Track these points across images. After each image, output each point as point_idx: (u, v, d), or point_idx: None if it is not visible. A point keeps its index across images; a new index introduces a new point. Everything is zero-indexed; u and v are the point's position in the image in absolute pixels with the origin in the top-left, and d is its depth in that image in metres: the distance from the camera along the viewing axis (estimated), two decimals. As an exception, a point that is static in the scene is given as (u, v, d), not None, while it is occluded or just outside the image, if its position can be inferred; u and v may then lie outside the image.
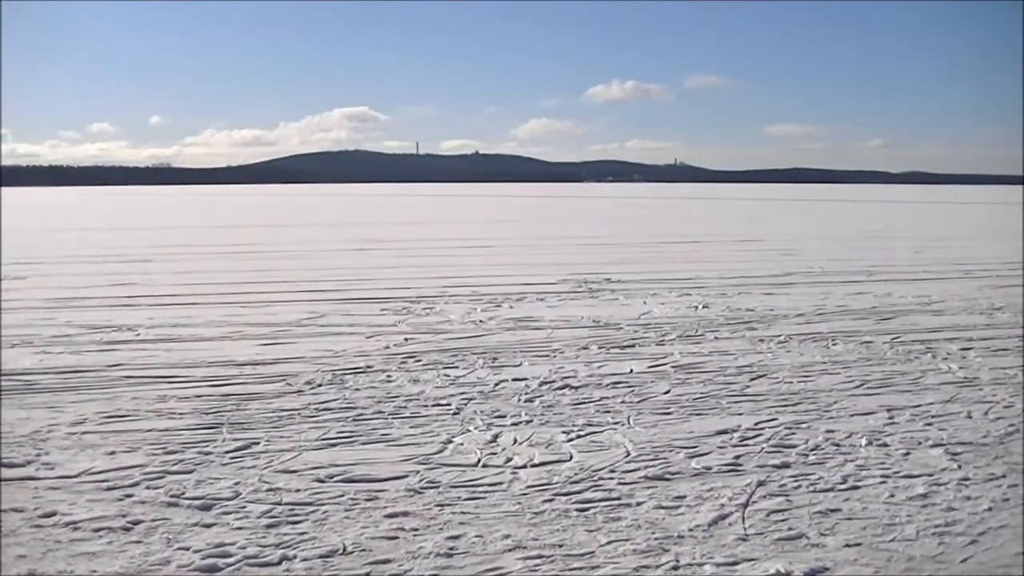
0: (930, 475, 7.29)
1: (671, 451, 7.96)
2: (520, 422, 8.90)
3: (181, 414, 9.14)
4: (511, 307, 16.57)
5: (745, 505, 6.67)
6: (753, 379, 10.76)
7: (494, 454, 7.90)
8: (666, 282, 20.61)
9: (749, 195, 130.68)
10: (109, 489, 6.97)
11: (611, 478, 7.27)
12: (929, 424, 8.78)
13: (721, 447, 8.08)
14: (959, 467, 7.49)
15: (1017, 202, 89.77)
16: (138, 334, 13.64)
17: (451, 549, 5.92)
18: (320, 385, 10.40)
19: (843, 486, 7.06)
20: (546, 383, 10.52)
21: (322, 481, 7.19)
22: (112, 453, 7.85)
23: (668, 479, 7.27)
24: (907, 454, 7.85)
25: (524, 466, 7.57)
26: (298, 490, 6.97)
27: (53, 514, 6.43)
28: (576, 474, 7.36)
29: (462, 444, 8.18)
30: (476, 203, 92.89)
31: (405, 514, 6.50)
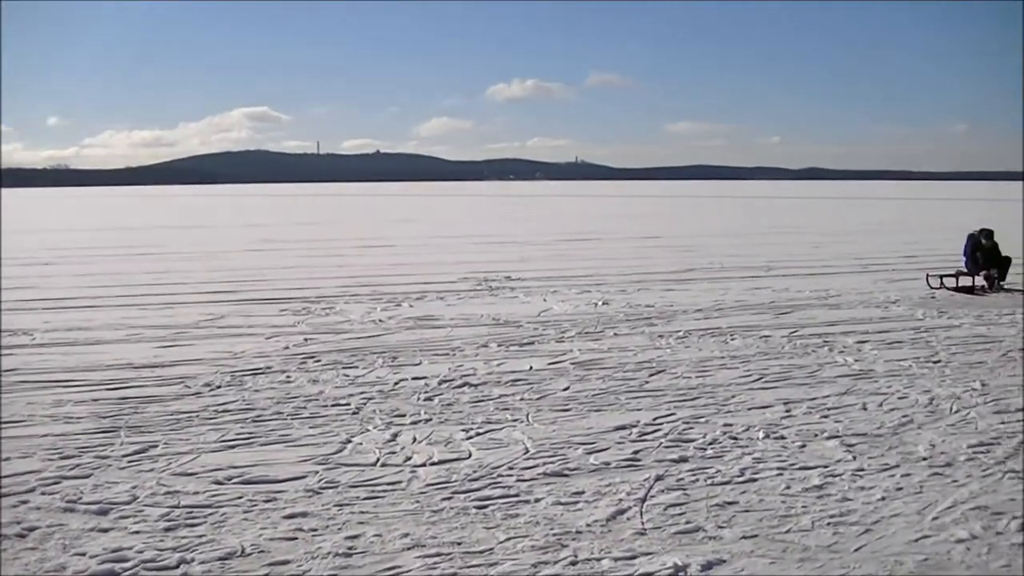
0: (825, 467, 7.46)
1: (570, 447, 8.04)
2: (419, 421, 8.92)
3: (78, 418, 9.01)
4: (411, 306, 16.58)
5: (643, 500, 6.76)
6: (652, 375, 10.89)
7: (393, 453, 7.91)
8: (566, 279, 20.78)
9: (650, 192, 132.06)
10: (3, 496, 6.85)
11: (510, 475, 7.32)
12: (825, 416, 8.99)
13: (620, 443, 8.18)
14: (854, 458, 7.68)
15: (912, 196, 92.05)
16: (34, 338, 13.42)
17: (350, 549, 5.92)
18: (219, 387, 10.34)
19: (740, 479, 7.19)
20: (446, 381, 10.56)
21: (220, 483, 7.14)
22: (6, 459, 7.70)
23: (566, 475, 7.34)
24: (803, 446, 8.03)
25: (423, 465, 7.59)
26: (196, 492, 6.91)
27: (-58, 523, 6.29)
28: (475, 472, 7.40)
29: (361, 444, 8.18)
30: (377, 203, 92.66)
31: (304, 515, 6.49)
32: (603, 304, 16.72)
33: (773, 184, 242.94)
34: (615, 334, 13.61)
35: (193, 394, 10.00)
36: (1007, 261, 19.16)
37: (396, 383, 10.51)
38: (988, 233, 19.24)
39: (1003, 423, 8.71)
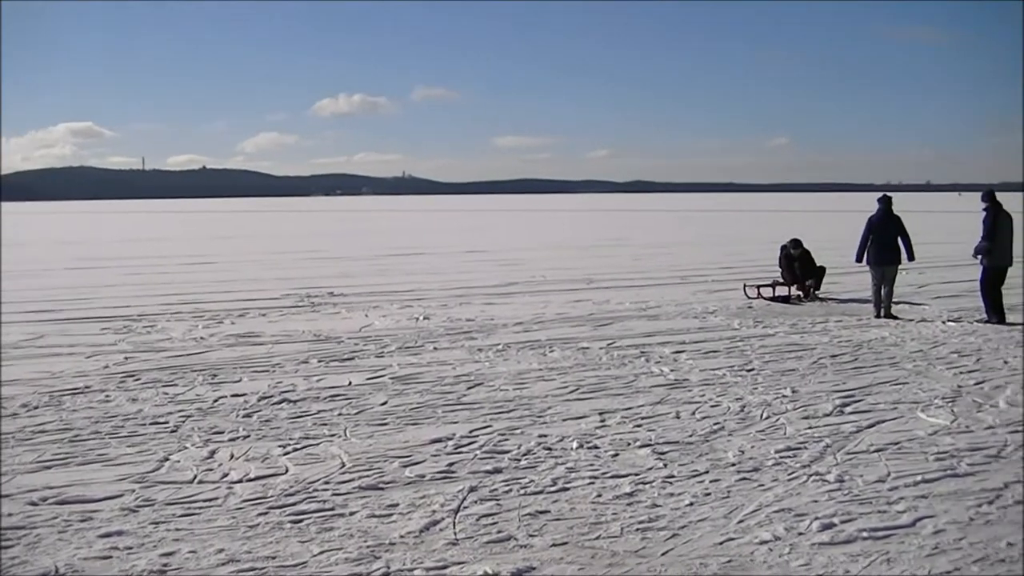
0: (637, 474, 7.70)
1: (386, 461, 8.12)
2: (237, 437, 8.90)
3: None
4: (233, 323, 16.45)
5: (456, 511, 6.88)
6: (470, 388, 11.05)
7: (210, 470, 7.88)
8: (389, 294, 20.85)
9: (477, 206, 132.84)
10: None
11: (326, 489, 7.37)
12: (639, 426, 9.26)
13: (435, 455, 8.29)
14: (665, 466, 7.94)
15: (734, 208, 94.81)
16: None
17: (165, 566, 5.90)
18: (37, 408, 10.12)
19: (553, 488, 7.37)
20: (265, 398, 10.54)
21: (35, 504, 7.01)
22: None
23: (382, 488, 7.42)
24: (616, 455, 8.27)
25: (240, 481, 7.58)
26: (10, 514, 6.78)
27: None
28: (291, 487, 7.42)
29: (179, 461, 8.13)
30: (202, 219, 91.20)
31: (119, 533, 6.43)
32: (424, 319, 16.85)
33: (600, 197, 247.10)
34: (435, 348, 13.74)
35: (10, 415, 9.77)
36: (822, 271, 20.03)
37: (215, 400, 10.45)
38: (796, 243, 20.09)
39: (810, 428, 9.13)
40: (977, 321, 16.21)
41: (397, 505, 7.02)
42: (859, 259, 17.30)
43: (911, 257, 17.22)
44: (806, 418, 9.53)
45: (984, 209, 16.43)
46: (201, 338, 14.84)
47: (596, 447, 8.52)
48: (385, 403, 10.31)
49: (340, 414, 9.83)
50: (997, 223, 16.18)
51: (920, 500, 7.07)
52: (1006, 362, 12.55)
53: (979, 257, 16.48)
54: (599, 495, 7.21)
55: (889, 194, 17.71)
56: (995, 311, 16.15)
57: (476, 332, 15.23)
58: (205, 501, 7.12)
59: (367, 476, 7.71)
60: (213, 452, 8.42)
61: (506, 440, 8.77)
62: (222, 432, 9.09)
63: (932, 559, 5.98)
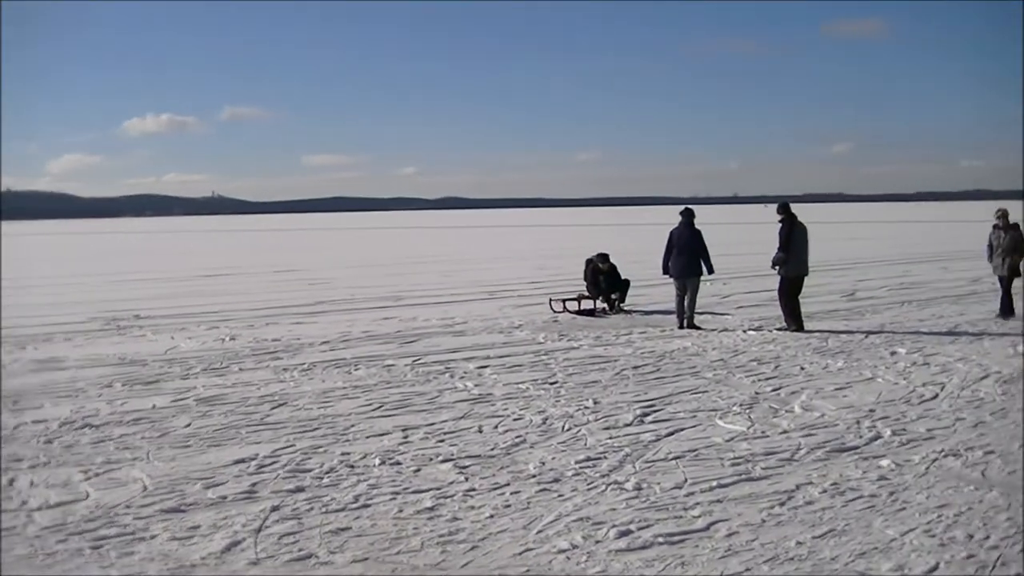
0: (438, 489, 7.82)
1: (188, 483, 8.06)
2: (38, 464, 8.69)
3: None
4: (36, 348, 15.98)
5: (258, 530, 6.87)
6: (274, 408, 11.01)
7: (9, 498, 7.69)
8: (195, 316, 20.55)
9: (289, 225, 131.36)
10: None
11: (127, 514, 7.28)
12: (441, 441, 9.39)
13: (238, 476, 8.26)
14: (466, 479, 8.08)
15: (544, 223, 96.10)
16: None
17: (-43, 598, 5.76)
18: None
19: (355, 505, 7.43)
20: (67, 424, 10.31)
21: None
22: None
23: (183, 511, 7.36)
24: (418, 470, 8.37)
25: (39, 508, 7.42)
26: None
27: None
28: (92, 512, 7.31)
29: (-23, 491, 7.89)
30: (5, 243, 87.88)
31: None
32: (230, 339, 16.67)
33: (410, 214, 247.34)
34: (240, 369, 13.63)
35: None
36: (626, 284, 20.53)
37: (15, 428, 10.18)
38: (603, 257, 20.57)
39: (611, 438, 9.39)
40: (777, 329, 16.87)
41: (199, 527, 6.98)
42: (664, 271, 17.80)
43: (710, 271, 17.80)
44: (607, 428, 9.79)
45: (780, 221, 17.11)
46: (3, 365, 14.38)
47: (399, 463, 8.60)
48: (189, 425, 10.20)
49: (143, 437, 9.68)
50: (793, 234, 16.85)
51: (715, 504, 7.37)
52: (803, 368, 13.14)
53: (777, 267, 17.13)
54: (400, 510, 7.30)
55: (691, 207, 18.26)
56: (793, 319, 16.82)
57: (282, 352, 15.14)
58: (3, 530, 6.95)
59: (169, 499, 7.63)
60: (12, 480, 8.21)
61: (309, 459, 8.78)
62: (22, 460, 8.86)
63: (724, 560, 6.25)
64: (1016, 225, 18.27)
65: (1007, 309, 18.30)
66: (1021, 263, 18.23)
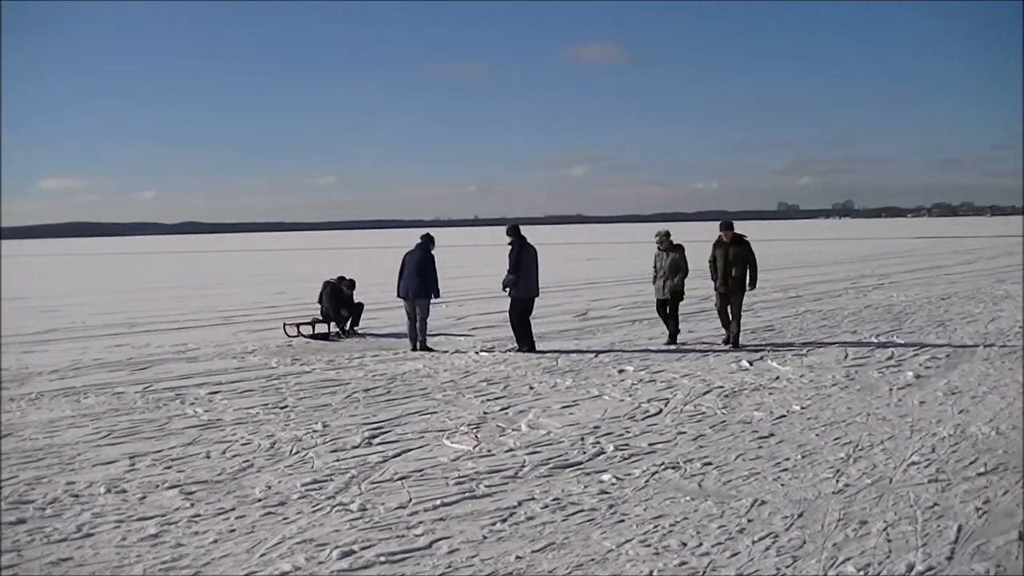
0: (163, 515, 7.68)
1: None
2: None
3: None
4: None
5: (-27, 566, 6.60)
6: (-3, 440, 10.54)
7: None
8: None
9: (22, 252, 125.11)
10: None
11: None
12: (168, 467, 9.22)
13: (-46, 511, 7.89)
14: (192, 505, 7.97)
15: (282, 248, 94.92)
16: None
17: None
18: None
19: (77, 535, 7.23)
20: None
21: None
22: None
23: None
24: (144, 498, 8.21)
25: None
26: None
27: None
28: None
29: None
30: None
31: None
32: (-49, 372, 15.80)
33: (149, 239, 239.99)
34: (-40, 402, 12.96)
35: None
36: (360, 307, 20.54)
37: None
38: (349, 282, 20.52)
39: (338, 460, 9.42)
40: (508, 350, 17.12)
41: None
42: (398, 294, 17.85)
43: (436, 294, 17.87)
44: (335, 451, 9.81)
45: (510, 243, 17.33)
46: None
47: (124, 491, 8.41)
48: (-101, 461, 9.65)
49: None
50: (522, 256, 17.14)
51: (438, 523, 7.48)
52: (531, 387, 13.40)
53: (507, 289, 17.39)
54: (124, 538, 7.14)
55: (430, 232, 18.39)
56: (524, 340, 17.11)
57: (9, 382, 14.47)
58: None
59: None
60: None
61: (32, 490, 8.48)
62: None
63: (444, 577, 6.36)
64: (680, 247, 18.06)
65: (673, 334, 17.87)
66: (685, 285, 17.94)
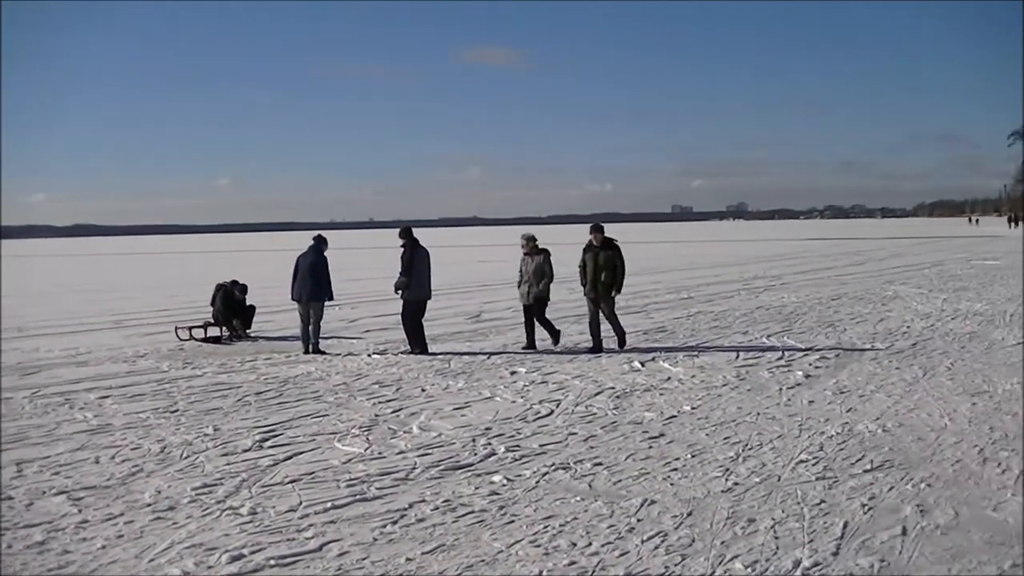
0: (50, 522, 7.57)
1: None
2: None
3: None
4: None
5: None
6: None
7: None
8: None
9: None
10: None
11: None
12: (56, 473, 9.08)
13: None
14: (80, 511, 7.86)
15: (181, 250, 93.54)
16: None
17: None
18: None
19: (-40, 545, 7.08)
20: None
21: None
22: None
23: None
24: (30, 504, 8.08)
25: None
26: None
27: None
28: None
29: None
30: None
31: None
32: None
33: (41, 242, 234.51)
34: None
35: None
36: (252, 309, 20.36)
37: None
38: (243, 288, 20.31)
39: (229, 464, 9.35)
40: (401, 352, 17.05)
41: None
42: (292, 297, 17.71)
43: (330, 296, 17.79)
44: (225, 455, 9.73)
45: (402, 245, 17.26)
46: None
47: (11, 498, 8.26)
48: None
49: None
50: (414, 258, 17.09)
51: (328, 525, 7.47)
52: (423, 390, 13.37)
53: (399, 291, 17.32)
54: (10, 546, 7.03)
55: (323, 234, 18.28)
56: (417, 342, 17.06)
57: None
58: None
59: None
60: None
61: (-86, 499, 8.28)
62: None
63: (332, 579, 6.35)
64: (545, 251, 17.75)
65: (530, 341, 17.49)
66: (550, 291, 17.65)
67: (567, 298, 25.21)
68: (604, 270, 17.02)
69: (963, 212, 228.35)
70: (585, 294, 17.52)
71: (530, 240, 17.83)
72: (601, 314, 17.27)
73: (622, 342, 17.27)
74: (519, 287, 17.88)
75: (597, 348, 16.99)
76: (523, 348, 17.41)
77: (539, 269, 17.45)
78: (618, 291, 17.23)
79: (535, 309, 17.56)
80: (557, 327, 17.93)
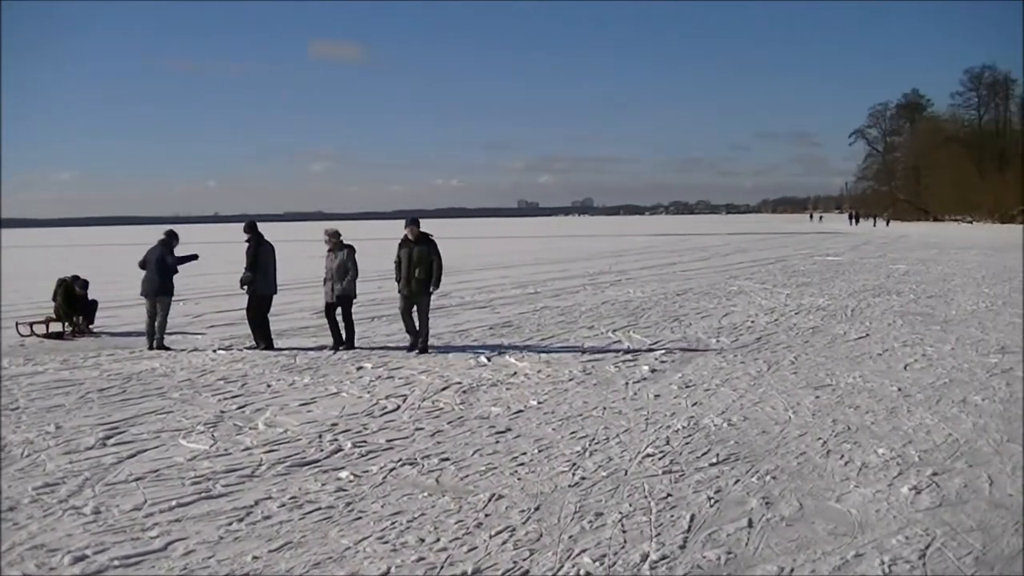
0: None
1: None
2: None
3: None
4: None
5: None
6: None
7: None
8: None
9: None
10: None
11: None
12: None
13: None
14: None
15: (22, 244, 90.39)
16: None
17: None
18: None
19: None
20: None
21: None
22: None
23: None
24: None
25: None
26: None
27: None
28: None
29: None
30: None
31: None
32: None
33: None
34: None
35: None
36: (94, 304, 19.85)
37: None
38: (84, 283, 19.79)
39: (71, 463, 9.12)
40: (247, 348, 16.83)
41: None
42: (141, 292, 17.30)
43: (169, 292, 17.38)
44: (68, 453, 9.49)
45: (247, 240, 17.06)
46: None
47: None
48: None
49: None
50: (260, 253, 16.87)
51: (174, 524, 7.36)
52: (269, 385, 13.22)
53: (245, 286, 17.11)
54: None
55: (172, 229, 17.94)
56: (262, 338, 16.86)
57: None
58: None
59: None
60: None
61: None
62: None
63: (174, 579, 6.27)
64: (350, 246, 17.12)
65: (337, 340, 16.96)
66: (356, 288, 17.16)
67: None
68: (419, 266, 16.38)
69: (806, 209, 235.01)
70: (400, 291, 16.80)
71: (333, 236, 17.20)
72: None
73: (425, 346, 16.51)
74: (324, 284, 17.30)
75: (414, 346, 16.57)
76: (331, 348, 16.87)
77: (342, 266, 16.92)
78: (436, 287, 16.62)
79: (340, 307, 17.05)
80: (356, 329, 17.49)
